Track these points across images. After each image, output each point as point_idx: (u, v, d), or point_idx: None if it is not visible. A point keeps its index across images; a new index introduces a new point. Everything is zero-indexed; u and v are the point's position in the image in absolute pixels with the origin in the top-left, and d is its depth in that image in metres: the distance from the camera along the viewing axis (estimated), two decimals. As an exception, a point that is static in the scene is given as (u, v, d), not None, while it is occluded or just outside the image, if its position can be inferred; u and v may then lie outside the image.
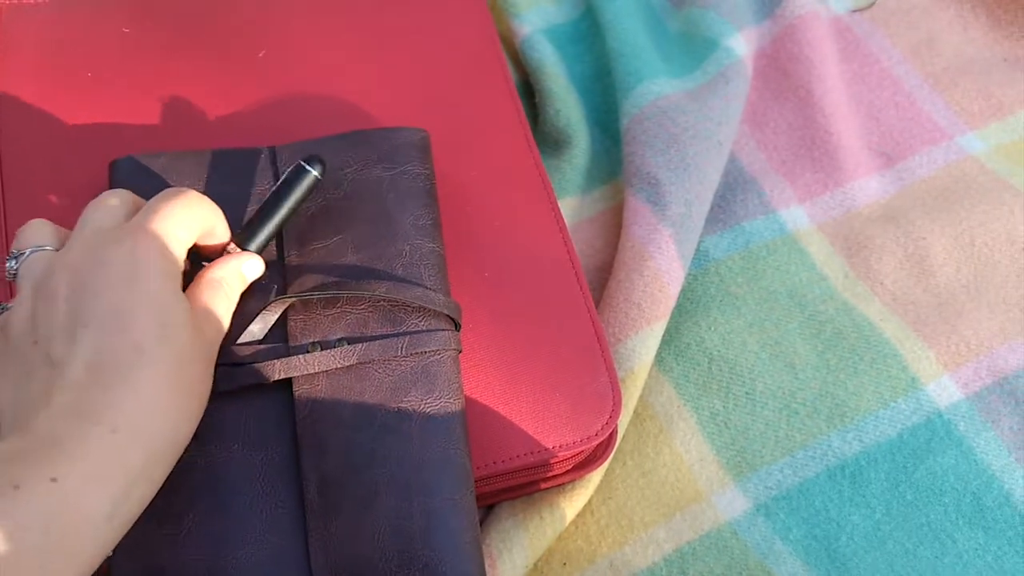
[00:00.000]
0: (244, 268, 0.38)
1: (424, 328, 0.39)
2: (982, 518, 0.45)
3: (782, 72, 0.59)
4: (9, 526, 0.27)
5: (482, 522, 0.44)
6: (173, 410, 0.32)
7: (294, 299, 0.38)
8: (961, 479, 0.46)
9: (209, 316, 0.36)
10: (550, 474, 0.42)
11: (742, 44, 0.58)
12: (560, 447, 0.40)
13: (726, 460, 0.46)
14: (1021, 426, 0.47)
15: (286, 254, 0.40)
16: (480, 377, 0.41)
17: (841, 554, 0.44)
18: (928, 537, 0.44)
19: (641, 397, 0.48)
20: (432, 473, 0.36)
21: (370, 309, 0.39)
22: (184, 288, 0.36)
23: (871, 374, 0.49)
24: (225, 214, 0.40)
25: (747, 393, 0.48)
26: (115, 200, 0.36)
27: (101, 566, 0.35)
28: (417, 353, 0.38)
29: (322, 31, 0.51)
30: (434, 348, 0.38)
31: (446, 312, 0.39)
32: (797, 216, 0.55)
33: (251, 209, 0.41)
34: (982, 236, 0.54)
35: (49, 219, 0.37)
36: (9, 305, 0.35)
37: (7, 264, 0.35)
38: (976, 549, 0.44)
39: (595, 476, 0.45)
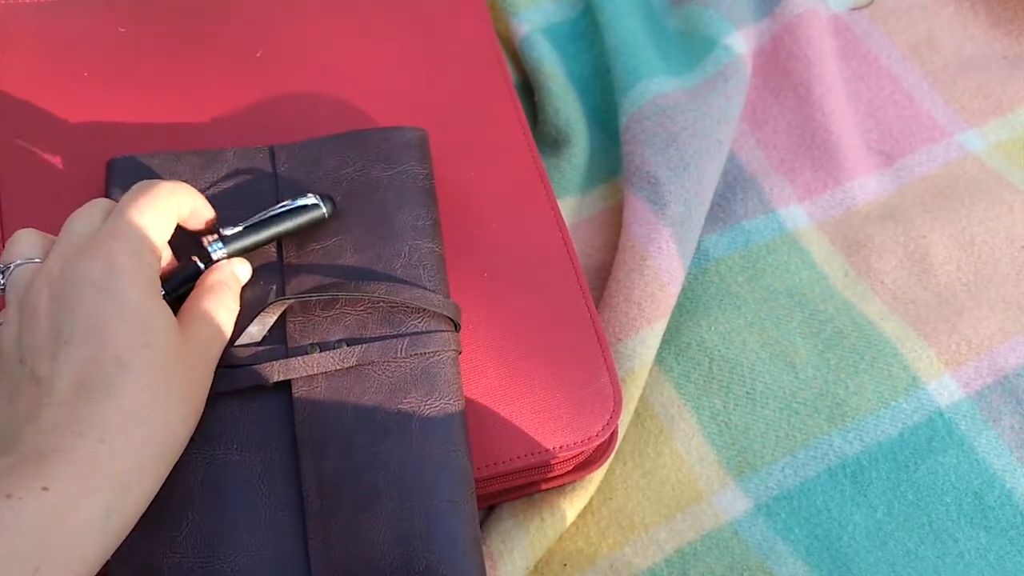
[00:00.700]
0: (238, 271, 0.38)
1: (423, 329, 0.38)
2: (984, 517, 0.45)
3: (781, 70, 0.59)
4: (3, 535, 0.27)
5: (482, 523, 0.44)
6: (161, 416, 0.32)
7: (293, 300, 0.38)
8: (962, 478, 0.46)
9: (207, 320, 0.36)
10: (550, 475, 0.42)
11: (741, 42, 0.58)
12: (560, 448, 0.40)
13: (727, 460, 0.46)
14: (1022, 425, 0.47)
15: (285, 255, 0.40)
16: (480, 378, 0.41)
17: (842, 554, 0.44)
18: (930, 537, 0.44)
19: (641, 397, 0.48)
20: (432, 475, 0.36)
21: (369, 310, 0.39)
22: (175, 283, 0.36)
23: (872, 373, 0.49)
24: (223, 214, 0.40)
25: (747, 393, 0.48)
26: (96, 209, 0.36)
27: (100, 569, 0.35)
28: (417, 354, 0.38)
29: (320, 30, 0.51)
30: (434, 349, 0.38)
31: (445, 313, 0.39)
32: (797, 215, 0.55)
33: (250, 210, 0.41)
34: (982, 234, 0.53)
35: (47, 219, 0.37)
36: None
37: None
38: (978, 549, 0.44)
39: (596, 477, 0.44)
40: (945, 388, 0.48)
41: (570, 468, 0.42)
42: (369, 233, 0.40)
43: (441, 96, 0.49)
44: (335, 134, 0.43)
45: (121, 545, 0.35)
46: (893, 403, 0.48)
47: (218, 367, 0.37)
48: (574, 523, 0.45)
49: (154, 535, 0.35)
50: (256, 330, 0.38)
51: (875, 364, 0.49)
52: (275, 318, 0.38)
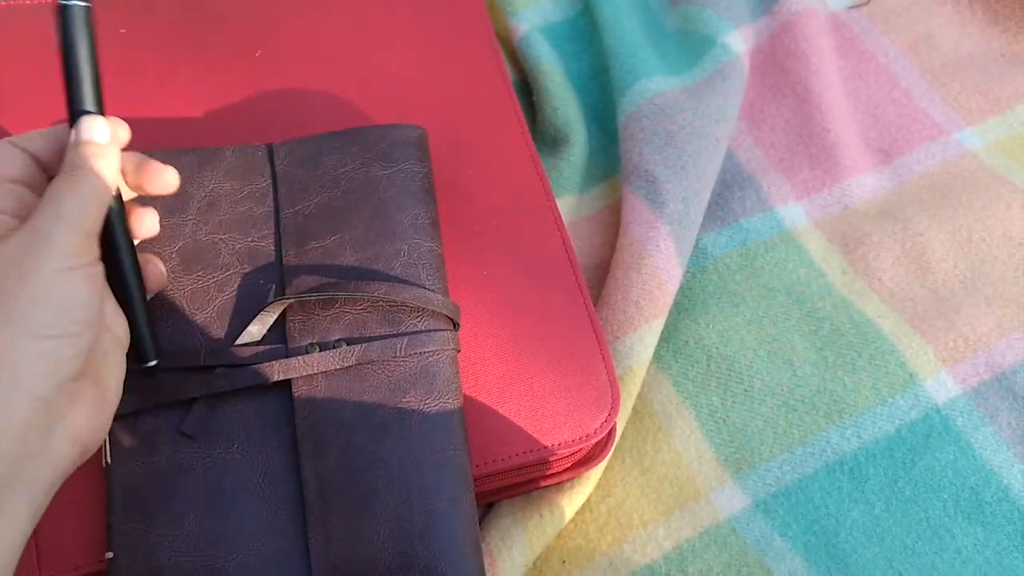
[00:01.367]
0: (93, 134, 0.33)
1: (423, 328, 0.39)
2: (981, 513, 0.45)
3: (779, 69, 0.59)
4: None
5: (481, 520, 0.44)
6: None
7: (292, 300, 0.38)
8: (960, 475, 0.46)
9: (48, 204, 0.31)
10: (549, 472, 0.42)
11: (739, 41, 0.58)
12: (559, 445, 0.40)
13: (725, 457, 0.47)
14: (1019, 421, 0.48)
15: (284, 254, 0.40)
16: (479, 376, 0.41)
17: (840, 550, 0.44)
18: (927, 532, 0.44)
19: (640, 395, 0.48)
20: (431, 473, 0.36)
21: (369, 309, 0.39)
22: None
23: (869, 370, 0.49)
24: (222, 210, 0.40)
25: (745, 390, 0.48)
26: None
27: (101, 567, 0.36)
28: (416, 353, 0.38)
29: (318, 30, 0.51)
30: (433, 348, 0.38)
31: (445, 312, 0.39)
32: (795, 213, 0.55)
33: (248, 207, 0.41)
34: (980, 232, 0.54)
35: None
36: None
37: None
38: (975, 544, 0.44)
39: (594, 474, 0.45)
40: (942, 385, 0.49)
41: (569, 465, 0.43)
42: (368, 232, 0.40)
43: (440, 95, 0.49)
44: (334, 132, 0.44)
45: (121, 543, 0.35)
46: (891, 400, 0.48)
47: (218, 366, 0.37)
48: (573, 520, 0.45)
49: (154, 534, 0.35)
50: (256, 329, 0.38)
51: (873, 361, 0.49)
52: (275, 317, 0.38)
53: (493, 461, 0.39)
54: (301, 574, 0.35)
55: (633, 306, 0.48)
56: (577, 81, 0.60)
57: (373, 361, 0.38)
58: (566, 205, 0.54)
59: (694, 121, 0.54)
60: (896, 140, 0.58)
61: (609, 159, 0.57)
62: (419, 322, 0.39)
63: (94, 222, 0.32)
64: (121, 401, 0.33)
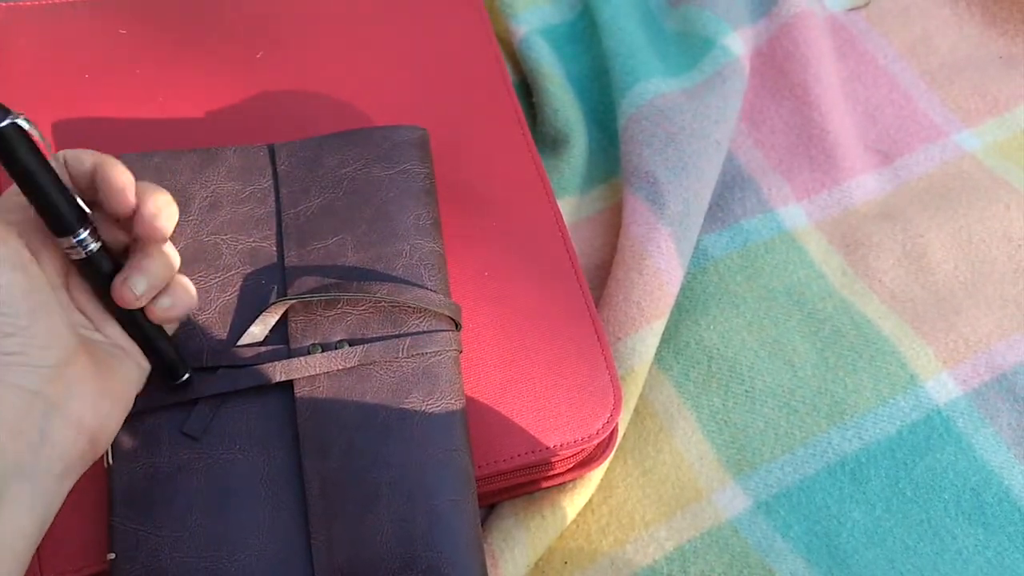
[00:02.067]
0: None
1: (425, 329, 0.39)
2: (982, 514, 0.45)
3: (779, 71, 0.59)
4: None
5: (484, 521, 0.44)
6: None
7: (294, 300, 0.38)
8: (960, 475, 0.46)
9: None
10: (551, 473, 0.42)
11: (739, 43, 0.58)
12: (561, 446, 0.40)
13: (726, 458, 0.47)
14: (1020, 422, 0.48)
15: (286, 254, 0.40)
16: (481, 377, 0.41)
17: (841, 550, 0.44)
18: (928, 533, 0.45)
19: (641, 396, 0.48)
20: (434, 474, 0.36)
21: (371, 310, 0.39)
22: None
23: (870, 371, 0.49)
24: (224, 210, 0.40)
25: (746, 391, 0.48)
26: None
27: (103, 568, 0.36)
28: (418, 354, 0.38)
29: (320, 32, 0.51)
30: (435, 349, 0.38)
31: (447, 313, 0.39)
32: (795, 214, 0.55)
33: (250, 208, 0.41)
34: (979, 233, 0.54)
35: None
36: None
37: None
38: (976, 545, 0.44)
39: (596, 475, 0.45)
40: (943, 386, 0.49)
41: (570, 466, 0.43)
42: (370, 232, 0.40)
43: (440, 97, 0.49)
44: (336, 132, 0.44)
45: (123, 543, 0.35)
46: (891, 401, 0.48)
47: (220, 367, 0.37)
48: (575, 521, 0.45)
49: (157, 534, 0.35)
50: (258, 330, 0.38)
51: (873, 362, 0.49)
52: (277, 318, 0.38)
53: (495, 462, 0.39)
54: (303, 574, 0.35)
55: (634, 307, 0.48)
56: (577, 83, 0.60)
57: (375, 362, 0.38)
58: (567, 206, 0.54)
59: (694, 123, 0.54)
60: (895, 142, 0.58)
61: (609, 160, 0.57)
62: (421, 323, 0.39)
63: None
64: None
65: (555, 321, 0.43)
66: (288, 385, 0.38)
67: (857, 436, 0.47)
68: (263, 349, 0.38)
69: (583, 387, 0.41)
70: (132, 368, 0.34)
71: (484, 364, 0.41)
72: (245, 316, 0.39)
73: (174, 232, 0.36)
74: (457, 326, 0.40)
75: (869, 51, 0.62)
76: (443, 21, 0.52)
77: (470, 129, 0.48)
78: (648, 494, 0.45)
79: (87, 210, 0.32)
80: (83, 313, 0.33)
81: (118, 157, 0.42)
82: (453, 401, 0.38)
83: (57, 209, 0.31)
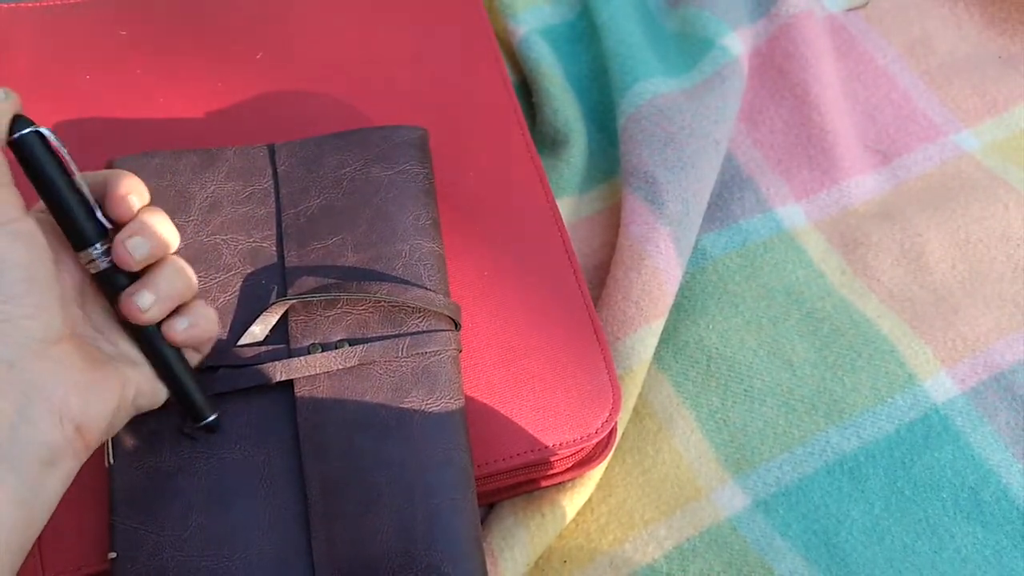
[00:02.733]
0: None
1: (424, 329, 0.39)
2: (980, 513, 0.45)
3: (778, 71, 0.60)
4: None
5: (483, 520, 0.44)
6: None
7: (295, 300, 0.38)
8: (959, 474, 0.46)
9: None
10: (550, 472, 0.42)
11: (738, 43, 0.58)
12: (560, 445, 0.40)
13: (725, 457, 0.47)
14: (1018, 421, 0.48)
15: (286, 254, 0.40)
16: (480, 376, 0.41)
17: (840, 549, 0.44)
18: (926, 532, 0.45)
19: (640, 395, 0.48)
20: (434, 474, 0.36)
21: (371, 310, 0.39)
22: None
23: (869, 370, 0.49)
24: (224, 210, 0.40)
25: (745, 390, 0.48)
26: None
27: (104, 567, 0.36)
28: (418, 354, 0.38)
29: (319, 31, 0.51)
30: (435, 349, 0.38)
31: (446, 313, 0.39)
32: (794, 214, 0.55)
33: (250, 208, 0.41)
34: (977, 233, 0.54)
35: None
36: None
37: None
38: (974, 544, 0.44)
39: (595, 474, 0.45)
40: (941, 385, 0.49)
41: (570, 465, 0.43)
42: (370, 232, 0.41)
43: (439, 96, 0.49)
44: (335, 132, 0.44)
45: (124, 544, 0.35)
46: (890, 400, 0.48)
47: (220, 367, 0.37)
48: (574, 520, 0.45)
49: (158, 534, 0.35)
50: (258, 330, 0.38)
51: (872, 361, 0.49)
52: (277, 318, 0.39)
53: (495, 461, 0.39)
54: (304, 574, 0.35)
55: (633, 307, 0.48)
56: (576, 83, 0.60)
57: (375, 361, 0.38)
58: (566, 206, 0.55)
59: (693, 122, 0.54)
60: (894, 141, 0.58)
61: (608, 160, 0.57)
62: (421, 322, 0.39)
63: (3, 175, 0.30)
64: None
65: (554, 321, 0.43)
66: (288, 385, 0.38)
67: (856, 435, 0.47)
68: (263, 349, 0.38)
69: (582, 386, 0.42)
70: (136, 377, 0.33)
71: (484, 364, 0.41)
72: (245, 316, 0.39)
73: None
74: (457, 326, 0.40)
75: (868, 51, 0.62)
76: (443, 21, 0.52)
77: (470, 129, 0.48)
78: (647, 493, 0.46)
79: (108, 225, 0.32)
80: (96, 328, 0.33)
81: (118, 157, 0.42)
82: (453, 401, 0.38)
83: (74, 221, 0.31)
